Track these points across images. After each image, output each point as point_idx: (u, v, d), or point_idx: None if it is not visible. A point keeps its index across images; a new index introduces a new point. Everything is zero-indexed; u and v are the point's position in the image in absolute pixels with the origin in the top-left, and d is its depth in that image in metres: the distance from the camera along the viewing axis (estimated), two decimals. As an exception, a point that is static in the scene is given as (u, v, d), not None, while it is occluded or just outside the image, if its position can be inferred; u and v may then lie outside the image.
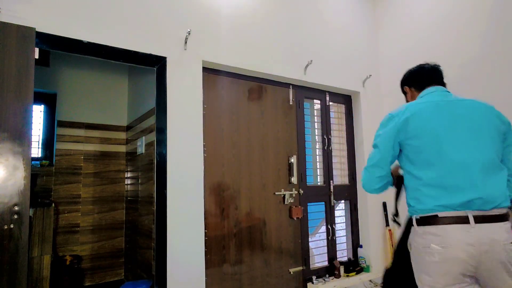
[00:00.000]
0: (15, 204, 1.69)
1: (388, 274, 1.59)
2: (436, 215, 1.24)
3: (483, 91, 2.72)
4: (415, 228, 1.32)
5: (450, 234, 1.20)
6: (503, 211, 1.23)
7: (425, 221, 1.27)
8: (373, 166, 1.43)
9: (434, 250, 1.22)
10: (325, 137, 3.22)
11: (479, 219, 1.19)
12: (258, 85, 2.85)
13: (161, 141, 2.30)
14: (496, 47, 2.65)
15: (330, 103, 3.33)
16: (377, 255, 3.25)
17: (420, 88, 1.57)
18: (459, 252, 1.18)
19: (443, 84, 1.56)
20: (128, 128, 3.65)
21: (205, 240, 2.37)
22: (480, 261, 1.18)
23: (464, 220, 1.19)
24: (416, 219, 1.32)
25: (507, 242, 1.18)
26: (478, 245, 1.17)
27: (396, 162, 1.49)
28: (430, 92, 1.50)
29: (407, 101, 1.65)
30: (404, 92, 1.69)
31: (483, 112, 1.38)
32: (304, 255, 2.91)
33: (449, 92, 1.50)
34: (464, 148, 1.27)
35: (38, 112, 3.36)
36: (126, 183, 3.61)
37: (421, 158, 1.32)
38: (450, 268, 1.19)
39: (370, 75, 3.41)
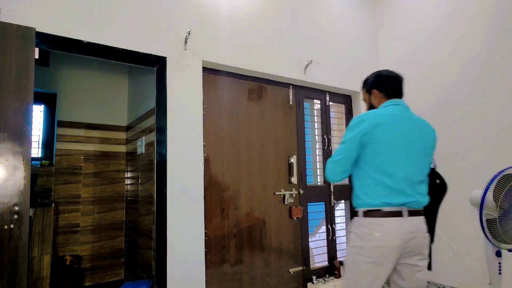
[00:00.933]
0: (15, 204, 1.69)
1: None
2: (380, 209, 1.52)
3: (483, 91, 2.72)
4: (360, 219, 1.57)
5: (389, 224, 1.50)
6: (422, 209, 1.60)
7: (371, 213, 1.53)
8: (338, 161, 1.60)
9: (376, 237, 1.50)
10: (325, 137, 3.22)
11: (410, 214, 1.52)
12: (258, 85, 2.85)
13: (161, 141, 2.30)
14: (497, 46, 2.65)
15: (330, 103, 3.33)
16: (377, 255, 3.25)
17: (388, 97, 1.68)
18: (395, 239, 1.47)
19: (402, 97, 1.72)
20: (128, 128, 3.65)
21: (205, 240, 2.37)
22: (407, 245, 1.49)
23: (399, 214, 1.51)
24: (364, 211, 1.56)
25: (426, 231, 1.57)
26: (408, 233, 1.49)
27: None
28: (394, 104, 1.64)
29: (371, 103, 1.75)
30: (369, 93, 1.75)
31: (429, 134, 1.64)
32: (304, 255, 2.91)
33: (407, 106, 1.68)
34: (412, 164, 1.55)
35: (38, 112, 3.36)
36: (126, 183, 3.60)
37: (377, 160, 1.54)
38: (386, 252, 1.48)
39: (370, 75, 3.41)
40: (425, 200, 1.60)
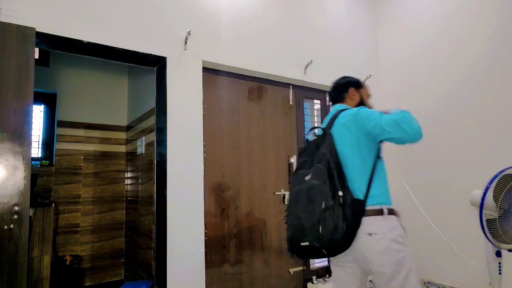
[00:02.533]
0: (15, 204, 1.69)
1: None
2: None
3: (483, 91, 2.72)
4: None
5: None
6: None
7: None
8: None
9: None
10: (325, 137, 3.21)
11: None
12: (258, 85, 2.85)
13: (161, 141, 2.30)
14: (497, 46, 2.65)
15: (330, 103, 3.33)
16: (377, 255, 3.25)
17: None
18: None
19: None
20: (128, 128, 3.65)
21: (205, 240, 2.36)
22: None
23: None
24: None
25: None
26: None
27: None
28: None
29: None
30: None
31: None
32: (304, 255, 2.91)
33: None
34: None
35: (38, 112, 3.36)
36: (126, 183, 3.60)
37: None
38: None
39: (370, 75, 3.41)
40: None
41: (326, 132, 1.58)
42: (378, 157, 1.56)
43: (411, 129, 1.48)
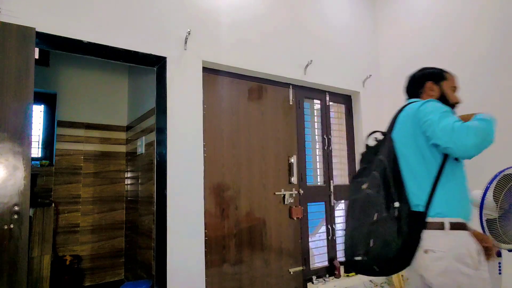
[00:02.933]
0: (15, 204, 1.69)
1: None
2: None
3: (484, 91, 2.72)
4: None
5: None
6: None
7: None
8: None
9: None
10: (325, 137, 3.22)
11: None
12: (258, 85, 2.85)
13: (161, 141, 2.30)
14: (498, 46, 2.65)
15: (330, 103, 3.33)
16: (377, 255, 3.25)
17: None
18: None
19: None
20: (128, 128, 3.65)
21: (205, 240, 2.36)
22: None
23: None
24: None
25: None
26: None
27: None
28: None
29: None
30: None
31: None
32: (304, 255, 2.91)
33: None
34: None
35: (38, 112, 3.36)
36: (126, 183, 3.61)
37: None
38: None
39: (370, 75, 3.41)
40: None
41: (386, 135, 1.44)
42: (445, 159, 1.30)
43: (460, 141, 1.22)
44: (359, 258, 1.29)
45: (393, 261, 1.23)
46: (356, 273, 1.39)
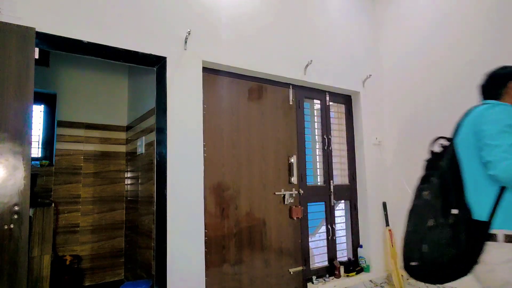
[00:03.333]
0: (15, 204, 1.69)
1: None
2: None
3: (483, 91, 2.72)
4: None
5: None
6: None
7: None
8: None
9: None
10: (325, 137, 3.22)
11: None
12: (258, 85, 2.85)
13: (161, 141, 2.30)
14: (498, 46, 2.65)
15: (330, 103, 3.33)
16: (377, 255, 3.25)
17: None
18: None
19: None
20: (128, 128, 3.65)
21: (205, 240, 2.37)
22: None
23: None
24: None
25: None
26: None
27: None
28: None
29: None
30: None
31: None
32: (304, 255, 2.91)
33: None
34: None
35: (38, 112, 3.36)
36: (126, 183, 3.61)
37: None
38: None
39: (370, 75, 3.41)
40: None
41: (451, 141, 1.40)
42: None
43: None
44: (414, 263, 1.28)
45: (447, 267, 1.21)
46: (415, 279, 1.35)
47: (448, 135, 3.01)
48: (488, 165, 1.20)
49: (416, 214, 1.34)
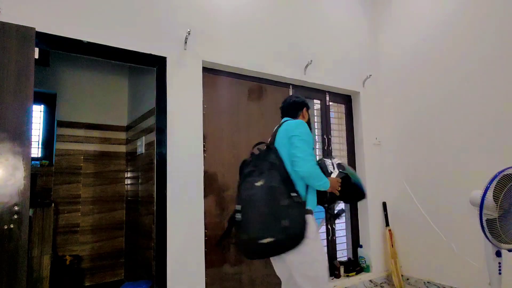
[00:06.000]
0: (15, 204, 1.69)
1: None
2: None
3: (484, 91, 2.72)
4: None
5: None
6: None
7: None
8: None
9: None
10: (325, 137, 3.22)
11: None
12: (258, 85, 2.85)
13: (161, 141, 2.30)
14: (498, 46, 2.65)
15: (330, 103, 3.33)
16: (377, 255, 3.25)
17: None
18: None
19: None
20: (128, 128, 3.65)
21: (205, 240, 2.36)
22: None
23: None
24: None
25: None
26: None
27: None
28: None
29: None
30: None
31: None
32: (304, 255, 2.90)
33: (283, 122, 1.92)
34: None
35: (38, 112, 3.36)
36: (126, 183, 3.60)
37: None
38: None
39: (370, 75, 3.41)
40: None
41: (267, 145, 1.81)
42: None
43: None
44: (271, 239, 1.58)
45: (297, 237, 1.59)
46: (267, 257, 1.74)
47: (448, 135, 3.03)
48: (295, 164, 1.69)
49: (262, 198, 1.60)
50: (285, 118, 1.94)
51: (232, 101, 2.70)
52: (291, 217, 1.56)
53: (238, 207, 1.64)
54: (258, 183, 1.61)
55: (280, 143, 1.76)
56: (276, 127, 1.88)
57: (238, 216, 1.62)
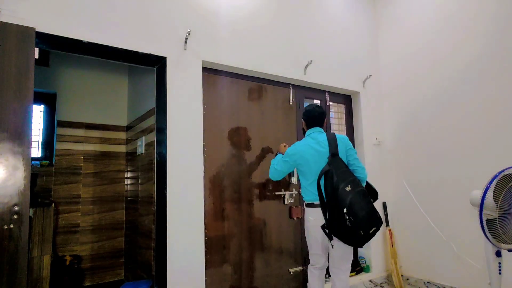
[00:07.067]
0: (15, 204, 1.69)
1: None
2: (313, 203, 2.15)
3: (484, 91, 2.72)
4: (305, 208, 2.23)
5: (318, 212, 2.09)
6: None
7: (308, 205, 2.20)
8: (279, 171, 2.28)
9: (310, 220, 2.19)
10: (325, 137, 3.22)
11: None
12: (258, 85, 2.85)
13: (161, 141, 2.30)
14: (498, 46, 2.65)
15: (330, 103, 3.33)
16: (377, 255, 3.25)
17: (308, 126, 2.28)
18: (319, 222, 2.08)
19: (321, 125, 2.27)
20: (128, 128, 3.65)
21: (205, 240, 2.36)
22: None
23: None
24: (305, 203, 2.22)
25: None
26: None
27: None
28: (311, 132, 2.23)
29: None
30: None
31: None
32: (304, 255, 2.91)
33: (322, 132, 2.23)
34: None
35: (38, 112, 3.36)
36: (126, 183, 3.61)
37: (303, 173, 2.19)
38: (316, 231, 2.15)
39: (370, 75, 3.41)
40: None
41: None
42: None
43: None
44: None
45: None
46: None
47: (448, 135, 3.02)
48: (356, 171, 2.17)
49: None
50: (319, 129, 2.23)
51: (232, 101, 2.70)
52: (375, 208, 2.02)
53: (345, 210, 1.92)
54: (348, 188, 1.95)
55: (341, 154, 2.11)
56: (326, 137, 2.15)
57: (350, 218, 1.92)
